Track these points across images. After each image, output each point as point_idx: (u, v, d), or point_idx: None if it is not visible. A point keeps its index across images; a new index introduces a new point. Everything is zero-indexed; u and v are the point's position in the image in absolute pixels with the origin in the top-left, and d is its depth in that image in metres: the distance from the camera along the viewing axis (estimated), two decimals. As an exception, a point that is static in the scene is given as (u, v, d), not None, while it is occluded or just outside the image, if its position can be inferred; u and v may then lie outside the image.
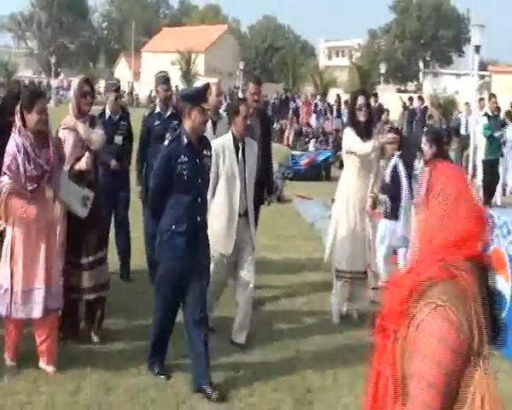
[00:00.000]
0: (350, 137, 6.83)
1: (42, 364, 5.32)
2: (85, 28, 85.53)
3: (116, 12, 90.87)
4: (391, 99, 30.26)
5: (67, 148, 5.78)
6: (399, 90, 56.34)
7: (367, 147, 6.62)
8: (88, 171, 5.80)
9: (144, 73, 64.28)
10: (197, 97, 5.07)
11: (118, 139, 7.68)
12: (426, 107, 23.55)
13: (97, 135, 5.96)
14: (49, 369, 5.30)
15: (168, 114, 7.69)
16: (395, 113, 24.59)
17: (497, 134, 13.23)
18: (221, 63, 56.45)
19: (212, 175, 5.65)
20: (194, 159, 5.02)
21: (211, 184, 5.67)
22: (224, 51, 60.40)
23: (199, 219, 5.09)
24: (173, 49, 54.41)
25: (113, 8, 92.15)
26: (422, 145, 7.12)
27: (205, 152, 5.18)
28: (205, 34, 64.89)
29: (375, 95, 26.33)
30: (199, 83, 52.30)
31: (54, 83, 51.57)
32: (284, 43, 69.66)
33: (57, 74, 62.58)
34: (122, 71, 67.86)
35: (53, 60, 56.56)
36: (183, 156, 4.97)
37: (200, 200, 5.11)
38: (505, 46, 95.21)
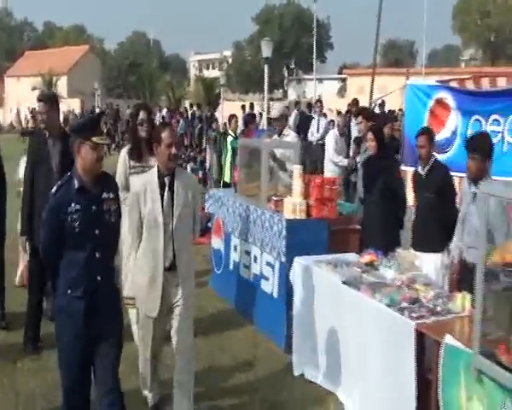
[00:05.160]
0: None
1: None
2: None
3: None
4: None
5: None
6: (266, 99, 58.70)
7: None
8: None
9: (8, 99, 63.67)
10: (86, 130, 4.17)
11: None
12: (270, 118, 25.73)
13: None
14: None
15: None
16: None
17: None
18: (84, 84, 56.47)
19: (134, 223, 4.94)
20: (88, 205, 4.14)
21: (135, 232, 4.95)
22: (86, 71, 60.37)
23: (99, 278, 4.19)
24: (36, 72, 54.28)
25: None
26: None
27: (105, 195, 4.25)
28: (67, 55, 64.78)
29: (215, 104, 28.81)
30: (63, 105, 53.10)
31: None
32: (145, 60, 70.75)
33: None
34: (-14, 97, 66.75)
35: None
36: (73, 204, 4.10)
37: (98, 255, 4.18)
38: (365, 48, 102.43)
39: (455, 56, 77.98)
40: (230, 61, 78.66)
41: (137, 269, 4.96)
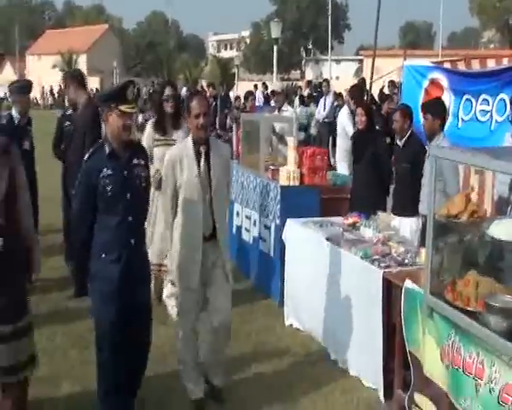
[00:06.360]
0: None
1: None
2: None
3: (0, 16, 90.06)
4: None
5: None
6: (283, 79, 59.21)
7: None
8: None
9: (29, 76, 64.69)
10: (112, 98, 4.27)
11: (26, 145, 7.40)
12: (273, 91, 26.27)
13: None
14: None
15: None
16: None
17: None
18: (103, 62, 57.45)
19: (169, 191, 4.91)
20: (119, 171, 4.25)
21: (169, 201, 4.93)
22: (105, 50, 61.39)
23: (133, 241, 4.29)
24: (56, 50, 55.26)
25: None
26: None
27: (135, 161, 4.36)
28: (87, 34, 65.82)
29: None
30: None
31: None
32: (163, 39, 71.40)
33: None
34: (7, 74, 67.82)
35: None
36: (105, 169, 4.21)
37: (131, 219, 4.26)
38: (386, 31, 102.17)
39: (474, 39, 77.69)
40: (248, 41, 79.01)
41: (176, 240, 4.91)
